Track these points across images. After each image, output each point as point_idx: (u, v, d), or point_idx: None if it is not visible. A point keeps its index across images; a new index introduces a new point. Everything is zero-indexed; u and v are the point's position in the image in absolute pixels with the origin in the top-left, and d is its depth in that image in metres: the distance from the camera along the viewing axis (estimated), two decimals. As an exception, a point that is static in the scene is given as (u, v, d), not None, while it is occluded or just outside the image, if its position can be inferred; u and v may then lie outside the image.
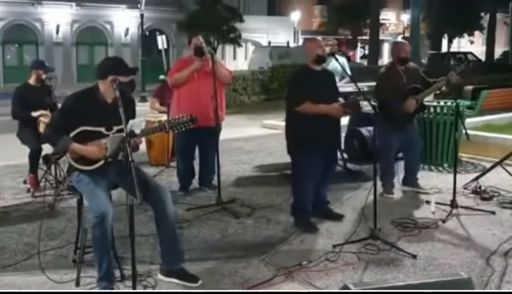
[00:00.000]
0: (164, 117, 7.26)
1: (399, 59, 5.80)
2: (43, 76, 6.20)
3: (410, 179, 6.14)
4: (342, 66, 5.52)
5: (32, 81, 6.23)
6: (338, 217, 5.19)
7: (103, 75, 3.65)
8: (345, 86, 6.79)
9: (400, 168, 6.30)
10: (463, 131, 5.96)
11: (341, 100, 5.06)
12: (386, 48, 43.18)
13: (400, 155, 6.66)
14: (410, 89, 5.73)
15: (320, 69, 4.95)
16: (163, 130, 3.71)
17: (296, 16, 36.67)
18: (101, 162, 3.64)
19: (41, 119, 5.93)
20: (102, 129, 3.66)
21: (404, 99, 5.68)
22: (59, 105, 4.62)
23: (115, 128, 3.64)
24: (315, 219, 5.05)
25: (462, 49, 37.91)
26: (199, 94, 5.68)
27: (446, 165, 7.24)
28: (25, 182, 6.36)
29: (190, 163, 6.26)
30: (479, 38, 42.66)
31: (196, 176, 6.35)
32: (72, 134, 3.63)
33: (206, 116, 5.63)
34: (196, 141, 6.10)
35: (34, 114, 5.97)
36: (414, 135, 6.09)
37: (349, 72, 6.22)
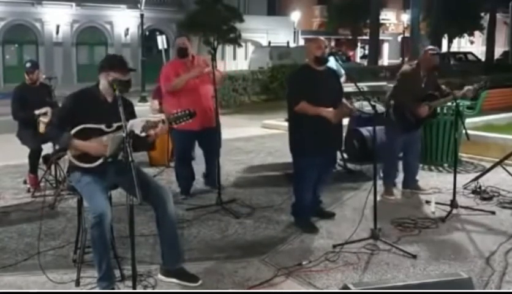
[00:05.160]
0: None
1: (429, 67, 5.74)
2: (26, 77, 6.25)
3: (410, 182, 6.13)
4: (336, 66, 5.52)
5: (28, 81, 6.29)
6: (329, 216, 5.22)
7: (99, 69, 3.75)
8: (344, 86, 6.78)
9: (400, 169, 6.29)
10: (463, 131, 5.96)
11: (344, 100, 5.01)
12: (386, 48, 43.21)
13: (399, 155, 6.65)
14: (427, 95, 5.73)
15: (321, 69, 4.85)
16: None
17: (296, 16, 36.65)
18: (101, 160, 3.66)
19: (41, 119, 5.93)
20: (102, 126, 3.69)
21: (418, 103, 5.66)
22: (60, 105, 4.64)
23: (115, 125, 3.67)
24: (315, 219, 5.06)
25: (462, 49, 37.91)
26: (200, 96, 5.62)
27: (446, 165, 7.24)
28: (25, 182, 6.36)
29: (189, 166, 6.11)
30: (479, 38, 42.65)
31: (197, 177, 6.32)
32: (73, 131, 3.65)
33: (208, 117, 5.62)
34: (196, 143, 6.07)
35: (37, 112, 5.98)
36: (417, 135, 6.09)
37: (342, 72, 6.20)
